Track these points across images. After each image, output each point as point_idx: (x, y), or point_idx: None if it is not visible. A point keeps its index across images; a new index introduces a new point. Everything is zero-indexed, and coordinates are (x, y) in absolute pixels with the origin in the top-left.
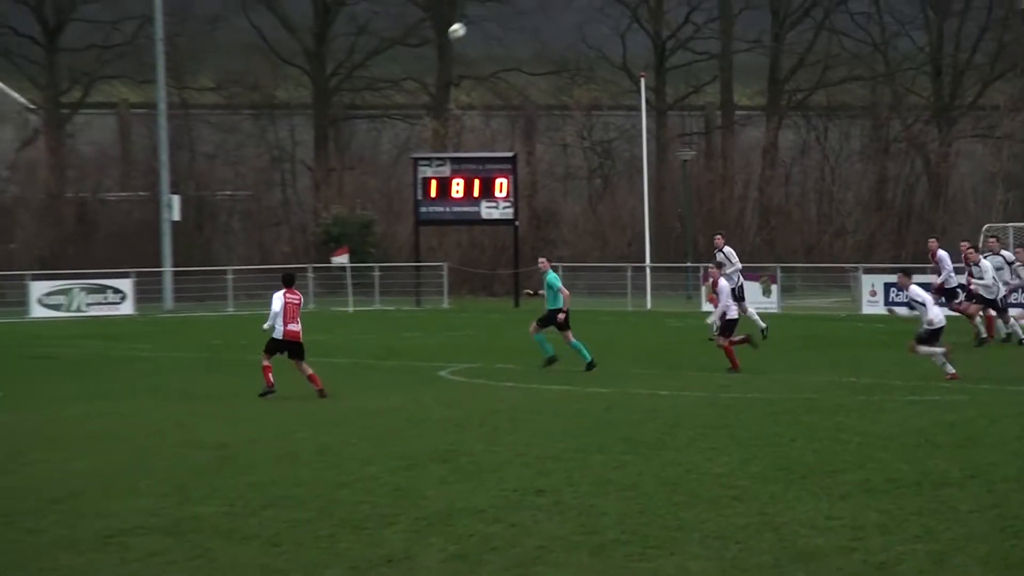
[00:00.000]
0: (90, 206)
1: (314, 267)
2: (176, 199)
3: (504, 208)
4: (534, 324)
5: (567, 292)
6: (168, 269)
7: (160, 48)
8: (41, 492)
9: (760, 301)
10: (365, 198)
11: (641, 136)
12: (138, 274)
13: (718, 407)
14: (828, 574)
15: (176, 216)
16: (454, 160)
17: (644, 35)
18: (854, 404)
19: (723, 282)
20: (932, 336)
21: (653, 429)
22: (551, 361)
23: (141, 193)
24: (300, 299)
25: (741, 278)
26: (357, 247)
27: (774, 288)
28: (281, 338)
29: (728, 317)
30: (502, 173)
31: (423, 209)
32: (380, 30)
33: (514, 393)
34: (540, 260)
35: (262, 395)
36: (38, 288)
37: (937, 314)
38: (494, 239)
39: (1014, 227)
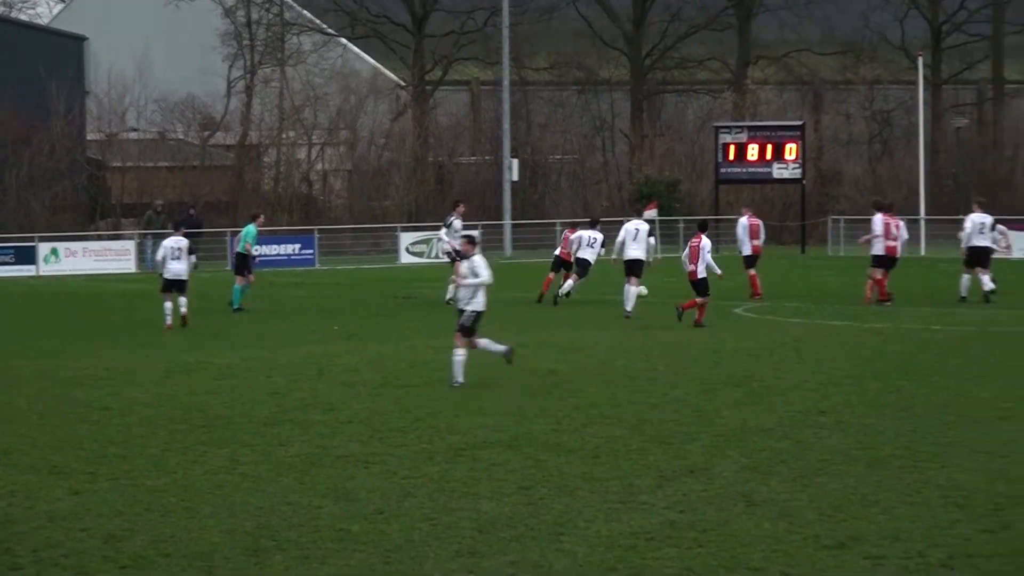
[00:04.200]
0: (446, 168)
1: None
2: (515, 162)
3: (793, 169)
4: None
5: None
6: (508, 222)
7: (505, 34)
8: (408, 411)
9: None
10: (672, 161)
11: (918, 107)
12: (484, 226)
13: (987, 340)
14: None
15: (515, 176)
16: (750, 128)
17: (922, 20)
18: None
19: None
20: None
21: (925, 359)
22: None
23: (487, 157)
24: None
25: None
26: (665, 203)
27: None
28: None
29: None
30: (792, 139)
31: (723, 170)
32: (688, 17)
33: (799, 328)
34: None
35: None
36: (406, 238)
37: None
38: (783, 195)
39: None
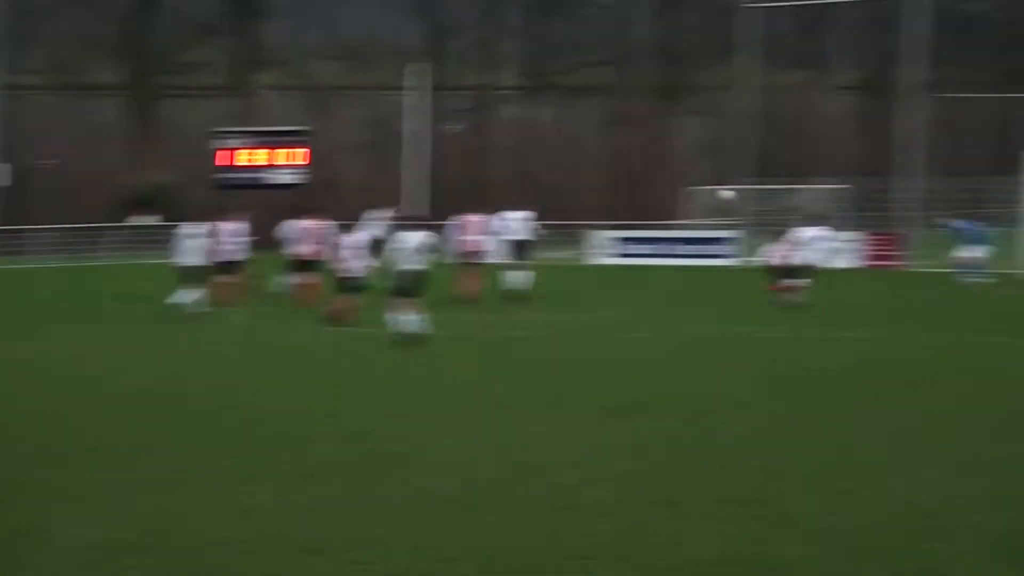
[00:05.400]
0: None
1: (124, 226)
2: (7, 167)
3: (298, 174)
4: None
5: None
6: None
7: None
8: None
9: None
10: (174, 166)
11: (417, 113)
12: None
13: (454, 342)
14: (548, 487)
15: (7, 181)
16: (255, 133)
17: (423, 26)
18: (574, 340)
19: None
20: None
21: (427, 360)
22: None
23: None
24: None
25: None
26: (162, 208)
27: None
28: None
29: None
30: (297, 144)
31: (225, 175)
32: (193, 20)
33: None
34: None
35: None
36: None
37: None
38: (288, 201)
39: (717, 188)
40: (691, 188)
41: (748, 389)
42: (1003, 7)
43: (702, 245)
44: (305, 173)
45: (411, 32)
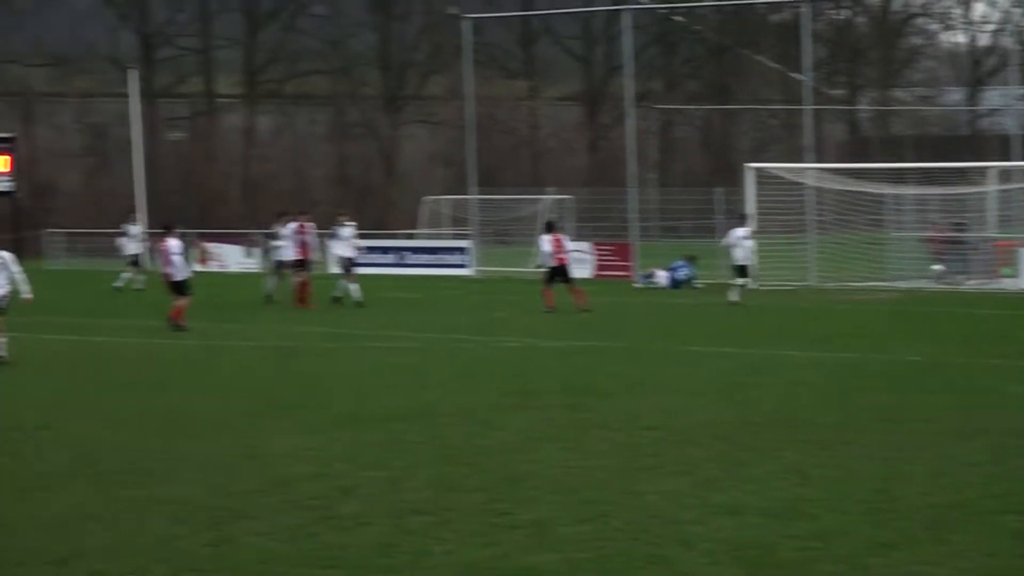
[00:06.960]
0: None
1: None
2: None
3: (5, 182)
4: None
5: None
6: None
7: None
8: None
9: (244, 261)
10: None
11: (132, 120)
12: None
13: (210, 352)
14: (301, 497)
15: None
16: None
17: (132, 32)
18: (324, 350)
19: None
20: None
21: (152, 372)
22: None
23: None
24: None
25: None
26: None
27: (256, 251)
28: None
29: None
30: (2, 152)
31: None
32: None
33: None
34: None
35: None
36: None
37: None
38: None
39: (450, 199)
40: (428, 198)
41: (489, 400)
42: (713, 23)
43: (437, 255)
44: (9, 181)
45: (124, 38)
